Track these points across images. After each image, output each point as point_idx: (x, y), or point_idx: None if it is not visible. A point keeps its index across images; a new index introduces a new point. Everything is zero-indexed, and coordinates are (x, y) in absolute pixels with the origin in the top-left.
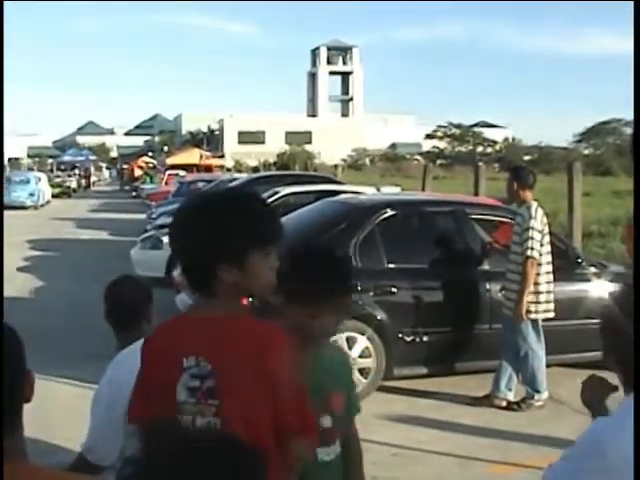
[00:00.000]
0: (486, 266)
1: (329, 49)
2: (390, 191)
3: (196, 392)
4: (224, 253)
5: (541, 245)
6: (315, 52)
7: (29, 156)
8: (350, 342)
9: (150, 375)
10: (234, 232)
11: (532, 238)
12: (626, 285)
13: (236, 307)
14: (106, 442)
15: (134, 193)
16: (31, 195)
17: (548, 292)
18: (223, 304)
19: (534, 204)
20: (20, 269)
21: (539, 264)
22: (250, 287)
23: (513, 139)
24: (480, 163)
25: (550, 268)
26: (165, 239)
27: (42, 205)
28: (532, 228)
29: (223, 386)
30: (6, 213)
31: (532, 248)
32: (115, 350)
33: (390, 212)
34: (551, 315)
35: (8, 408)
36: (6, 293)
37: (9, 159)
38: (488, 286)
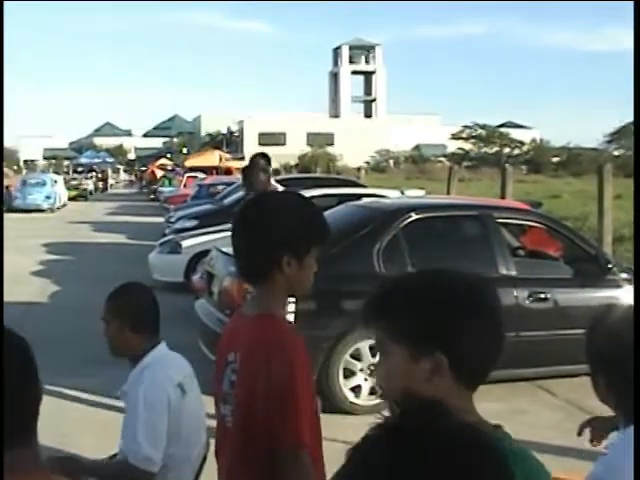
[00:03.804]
0: (513, 272)
1: (351, 48)
2: (414, 194)
3: (234, 385)
4: (291, 244)
5: None
6: (337, 51)
7: (45, 158)
8: (373, 350)
9: (217, 367)
10: (303, 226)
11: None
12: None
13: (276, 306)
14: (158, 446)
15: (152, 196)
16: (47, 198)
17: None
18: (267, 301)
19: None
20: (35, 273)
21: None
22: (300, 284)
23: (541, 140)
24: (507, 165)
25: None
26: (184, 243)
27: (58, 208)
28: None
29: (238, 379)
30: (21, 216)
31: None
32: (128, 360)
33: (414, 216)
34: None
35: (19, 421)
36: (21, 298)
37: (25, 161)
38: (515, 292)
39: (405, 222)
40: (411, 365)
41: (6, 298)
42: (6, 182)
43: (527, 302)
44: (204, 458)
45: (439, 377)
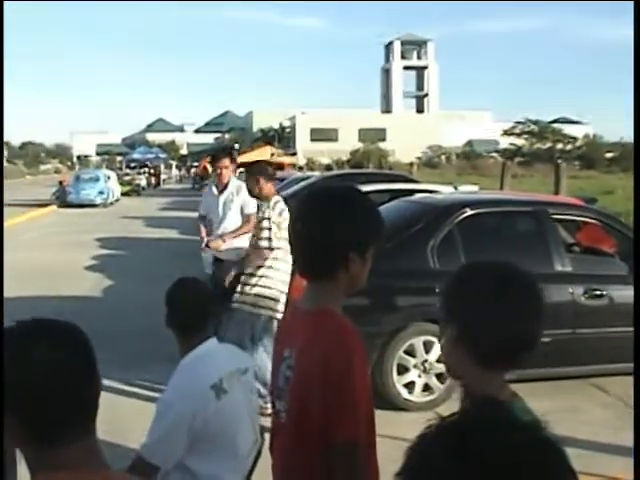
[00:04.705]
0: (569, 268)
1: (403, 43)
2: (468, 190)
3: (288, 380)
4: (357, 242)
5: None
6: (389, 47)
7: (98, 154)
8: (427, 346)
9: (273, 362)
10: (367, 223)
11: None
12: None
13: (335, 302)
14: (167, 447)
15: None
16: (100, 193)
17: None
18: (327, 297)
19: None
20: (89, 268)
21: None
22: (359, 281)
23: (594, 136)
24: (560, 161)
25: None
26: None
27: (111, 203)
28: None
29: (293, 375)
30: (75, 211)
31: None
32: (179, 355)
33: (469, 212)
34: None
35: (78, 417)
36: (75, 293)
37: (78, 157)
38: (571, 289)
39: (459, 218)
40: (445, 330)
41: (61, 292)
42: (60, 177)
43: (582, 299)
44: (259, 453)
45: (454, 347)
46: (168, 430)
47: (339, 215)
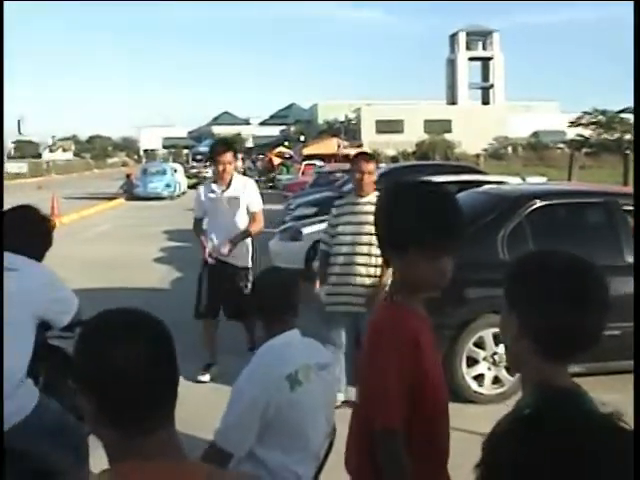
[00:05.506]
0: None
1: (468, 34)
2: (536, 181)
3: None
4: (388, 240)
5: None
6: (454, 38)
7: (164, 147)
8: (497, 338)
9: None
10: (397, 221)
11: None
12: None
13: (406, 295)
14: (241, 433)
15: (270, 184)
16: (167, 186)
17: None
18: (399, 290)
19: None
20: (157, 260)
21: None
22: (412, 281)
23: None
24: (628, 151)
25: None
26: (304, 230)
27: (178, 196)
28: None
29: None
30: (143, 204)
31: None
32: (262, 342)
33: (539, 203)
34: None
35: (162, 407)
36: (144, 284)
37: (144, 150)
38: None
39: (529, 209)
40: (508, 320)
41: (130, 284)
42: (127, 171)
43: None
44: (330, 446)
45: (520, 337)
46: (241, 415)
47: (396, 211)
